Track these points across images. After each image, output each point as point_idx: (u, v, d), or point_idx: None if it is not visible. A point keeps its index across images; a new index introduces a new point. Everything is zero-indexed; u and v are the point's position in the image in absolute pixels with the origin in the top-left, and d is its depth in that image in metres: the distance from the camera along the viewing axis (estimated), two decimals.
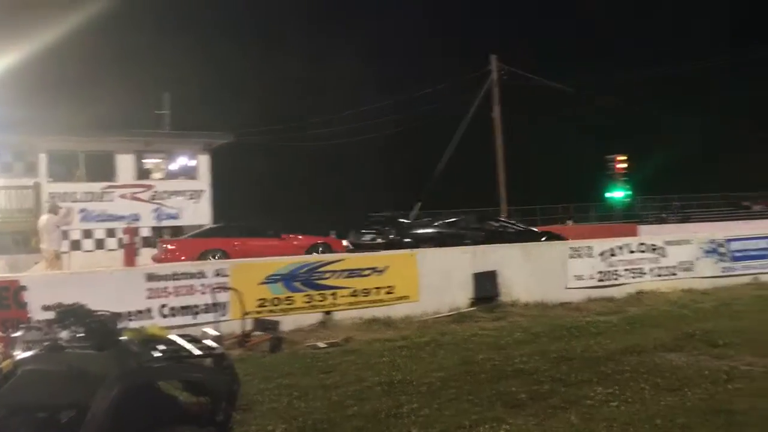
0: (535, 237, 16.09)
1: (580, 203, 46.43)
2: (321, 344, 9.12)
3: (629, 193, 41.39)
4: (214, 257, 15.16)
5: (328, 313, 10.56)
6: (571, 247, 12.52)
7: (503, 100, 26.41)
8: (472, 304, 11.57)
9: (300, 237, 17.91)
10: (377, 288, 10.93)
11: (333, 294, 10.59)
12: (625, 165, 40.17)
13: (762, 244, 14.11)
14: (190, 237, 17.82)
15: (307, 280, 10.46)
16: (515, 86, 27.03)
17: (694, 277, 13.34)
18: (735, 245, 13.82)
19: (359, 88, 44.26)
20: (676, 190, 51.62)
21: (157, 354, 3.26)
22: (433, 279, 11.42)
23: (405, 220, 18.41)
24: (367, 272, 10.87)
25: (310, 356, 8.52)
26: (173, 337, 3.62)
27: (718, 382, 6.48)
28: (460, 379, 7.04)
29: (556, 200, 46.16)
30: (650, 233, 25.68)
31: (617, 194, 40.71)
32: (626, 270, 12.74)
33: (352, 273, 10.76)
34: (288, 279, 10.35)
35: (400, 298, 11.10)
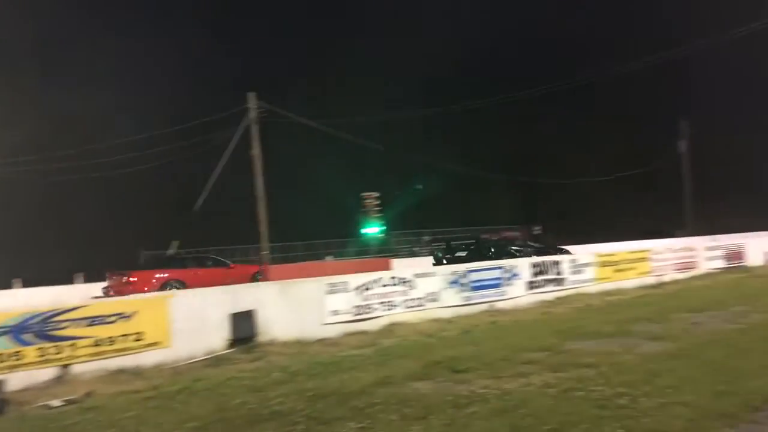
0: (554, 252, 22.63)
1: (339, 239, 48.20)
2: (55, 402, 8.16)
3: (383, 228, 43.75)
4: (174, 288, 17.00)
5: (65, 366, 9.51)
6: (328, 283, 12.72)
7: (267, 136, 26.43)
8: (230, 346, 11.22)
9: (245, 266, 21.53)
10: (124, 335, 10.12)
11: (71, 345, 9.57)
12: (378, 202, 42.44)
13: (496, 274, 15.60)
14: (146, 269, 19.22)
15: (41, 331, 9.37)
16: (277, 123, 27.26)
17: (440, 307, 14.27)
18: (474, 276, 15.10)
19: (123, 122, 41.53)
20: (427, 225, 55.95)
21: None
22: (187, 322, 10.87)
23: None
24: (112, 319, 10.02)
25: (42, 417, 7.57)
26: None
27: (459, 406, 6.92)
28: (213, 428, 6.71)
29: (316, 236, 47.36)
30: (404, 267, 27.19)
31: (372, 230, 42.78)
32: (380, 303, 13.26)
33: (95, 321, 9.85)
34: (17, 331, 9.19)
35: (151, 344, 10.39)
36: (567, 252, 23.89)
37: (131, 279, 18.35)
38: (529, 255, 21.38)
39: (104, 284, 19.63)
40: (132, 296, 12.04)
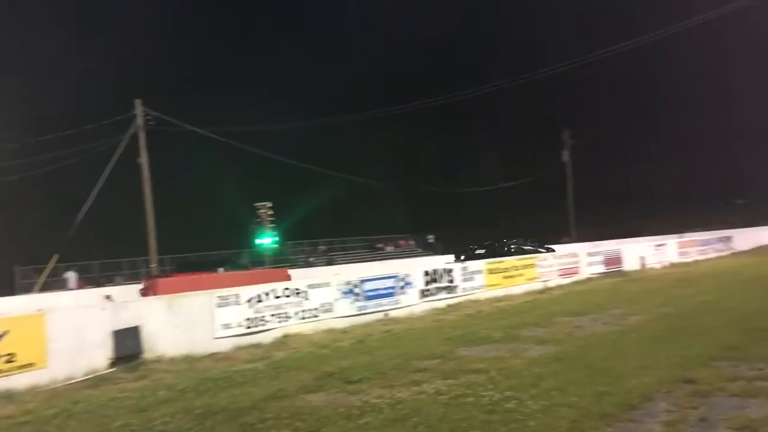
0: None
1: (234, 250, 47.12)
2: None
3: (276, 239, 43.16)
4: None
5: None
6: (218, 296, 12.35)
7: (158, 146, 25.50)
8: (113, 365, 10.64)
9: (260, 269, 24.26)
10: None
11: None
12: (271, 212, 41.83)
13: (389, 283, 15.72)
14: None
15: None
16: (174, 134, 26.38)
17: (334, 318, 14.20)
18: (368, 285, 15.14)
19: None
20: (323, 235, 55.83)
21: None
22: (65, 341, 10.22)
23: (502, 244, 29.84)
24: None
25: None
26: None
27: (352, 417, 6.87)
28: None
29: (210, 247, 46.12)
30: (299, 277, 26.94)
31: (266, 240, 42.11)
32: (273, 315, 13.02)
33: None
34: None
35: (24, 366, 9.68)
36: (552, 250, 27.63)
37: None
38: (526, 252, 27.10)
39: (140, 286, 21.28)
40: (1, 316, 11.14)
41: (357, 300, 14.84)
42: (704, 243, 33.85)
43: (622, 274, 24.18)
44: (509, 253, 26.58)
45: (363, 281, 15.11)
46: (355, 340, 12.46)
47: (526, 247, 29.13)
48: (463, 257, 28.88)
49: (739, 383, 7.15)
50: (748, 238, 40.18)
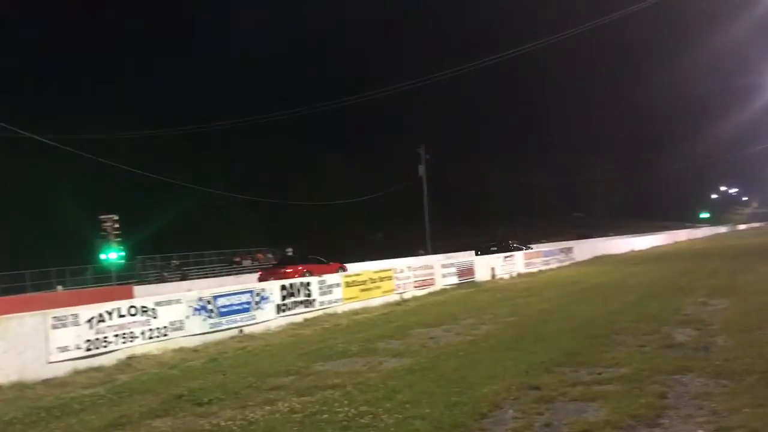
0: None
1: (75, 266, 43.93)
2: None
3: (123, 254, 40.72)
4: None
5: None
6: (53, 317, 11.34)
7: None
8: None
9: (336, 263, 30.99)
10: None
11: None
12: (117, 225, 39.42)
13: (245, 298, 15.23)
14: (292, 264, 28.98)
15: None
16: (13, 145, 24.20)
17: (185, 336, 13.51)
18: (221, 301, 14.58)
19: None
20: (176, 249, 53.52)
21: None
22: None
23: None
24: None
25: None
26: None
27: None
28: None
29: (48, 264, 42.68)
30: (148, 293, 25.60)
31: (112, 255, 39.62)
32: (116, 335, 12.15)
33: None
34: None
35: None
36: (530, 248, 40.13)
37: (287, 270, 27.32)
38: (516, 250, 37.70)
39: (258, 274, 29.49)
40: None
41: (210, 317, 14.24)
42: (547, 254, 36.01)
43: (474, 284, 25.11)
44: (510, 249, 38.30)
45: (216, 297, 14.53)
46: (207, 359, 11.91)
47: (515, 245, 41.28)
48: (479, 252, 40.26)
49: (580, 388, 7.53)
50: (586, 248, 43.33)
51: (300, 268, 28.13)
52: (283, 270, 27.43)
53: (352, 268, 31.31)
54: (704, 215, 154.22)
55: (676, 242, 64.22)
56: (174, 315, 13.40)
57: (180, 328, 13.48)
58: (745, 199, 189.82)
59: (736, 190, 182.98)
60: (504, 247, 40.16)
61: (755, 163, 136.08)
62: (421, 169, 57.30)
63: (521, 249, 38.44)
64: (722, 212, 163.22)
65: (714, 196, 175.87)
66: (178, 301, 13.68)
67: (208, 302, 14.27)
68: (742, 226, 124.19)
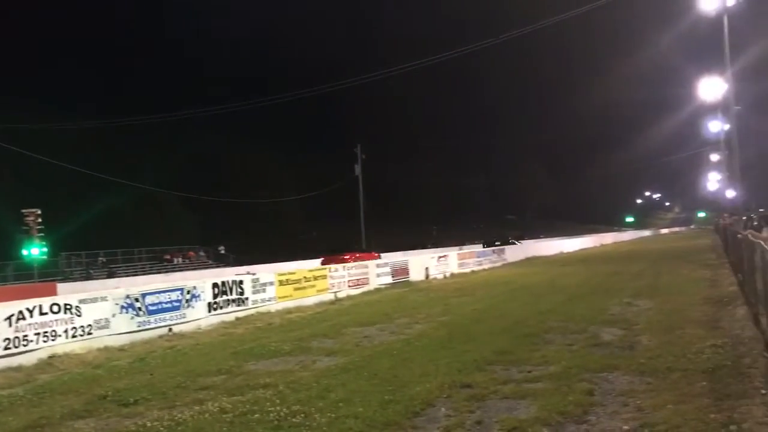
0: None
1: None
2: None
3: (45, 250, 38.99)
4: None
5: None
6: None
7: None
8: None
9: (372, 253, 36.58)
10: None
11: None
12: (40, 220, 37.69)
13: (174, 296, 14.84)
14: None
15: None
16: None
17: (111, 335, 13.06)
18: (150, 299, 14.17)
19: None
20: (105, 246, 51.72)
21: None
22: None
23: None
24: None
25: None
26: None
27: None
28: None
29: None
30: (73, 291, 24.65)
31: (34, 251, 37.91)
32: (37, 334, 11.64)
33: None
34: None
35: None
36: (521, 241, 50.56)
37: (345, 257, 31.24)
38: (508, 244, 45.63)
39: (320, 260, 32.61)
40: None
41: (138, 315, 13.81)
42: (480, 255, 36.58)
43: (408, 284, 25.25)
44: (511, 244, 46.61)
45: (145, 295, 14.11)
46: (134, 359, 11.55)
47: (511, 241, 49.39)
48: (485, 245, 45.60)
49: (510, 386, 7.65)
50: (517, 250, 44.19)
51: (357, 255, 33.29)
52: (341, 256, 31.47)
53: (287, 266, 31.11)
54: (629, 219, 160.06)
55: (602, 245, 66.23)
56: (99, 313, 12.94)
57: (106, 327, 13.03)
58: (667, 204, 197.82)
59: (659, 195, 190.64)
60: (506, 242, 48.62)
61: (678, 170, 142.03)
62: (357, 169, 57.29)
63: (515, 243, 48.68)
64: (646, 216, 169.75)
65: (639, 201, 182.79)
66: (104, 299, 13.22)
67: (136, 300, 13.85)
68: (664, 230, 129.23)
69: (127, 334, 13.45)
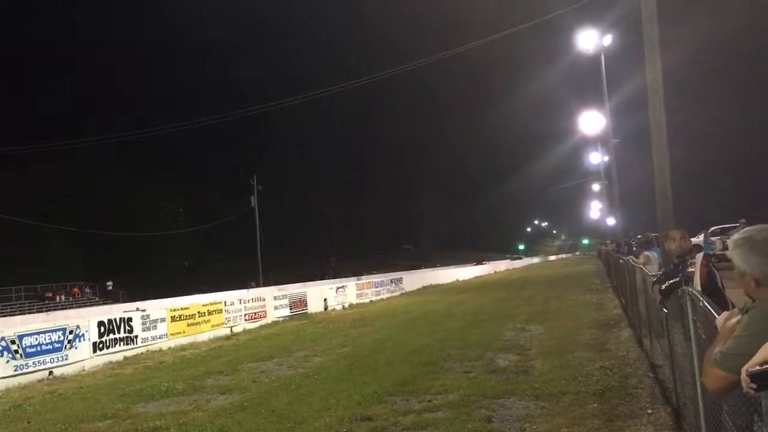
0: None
1: None
2: None
3: None
4: None
5: None
6: None
7: None
8: None
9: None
10: None
11: None
12: None
13: (56, 336, 13.87)
14: None
15: None
16: None
17: None
18: (28, 340, 13.17)
19: None
20: None
21: None
22: None
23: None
24: None
25: None
26: None
27: None
28: None
29: None
30: None
31: None
32: None
33: None
34: None
35: None
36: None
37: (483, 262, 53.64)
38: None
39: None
40: None
41: (14, 358, 12.81)
42: (378, 284, 36.70)
43: (307, 316, 24.90)
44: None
45: (22, 336, 13.11)
46: (9, 406, 10.65)
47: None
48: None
49: (411, 416, 7.61)
50: (415, 279, 44.74)
51: (483, 262, 36.31)
52: (479, 262, 37.06)
53: (180, 301, 29.86)
54: (521, 247, 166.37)
55: (496, 272, 68.24)
56: None
57: None
58: (554, 232, 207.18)
59: (546, 223, 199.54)
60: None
61: (563, 199, 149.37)
62: (253, 200, 56.44)
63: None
64: (535, 244, 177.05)
65: (528, 229, 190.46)
66: None
67: (12, 342, 12.85)
68: (552, 257, 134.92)
69: (2, 380, 12.44)
